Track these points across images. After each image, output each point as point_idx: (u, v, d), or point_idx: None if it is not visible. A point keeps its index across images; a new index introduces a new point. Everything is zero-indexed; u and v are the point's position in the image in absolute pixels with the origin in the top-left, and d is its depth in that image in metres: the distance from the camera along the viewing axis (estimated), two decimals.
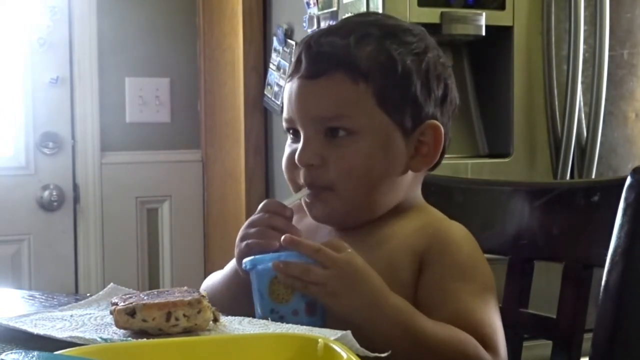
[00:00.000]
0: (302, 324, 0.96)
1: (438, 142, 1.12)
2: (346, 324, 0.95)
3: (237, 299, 1.08)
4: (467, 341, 0.98)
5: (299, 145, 1.10)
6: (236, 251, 1.08)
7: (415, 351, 0.96)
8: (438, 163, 1.16)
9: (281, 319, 0.98)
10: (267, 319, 0.98)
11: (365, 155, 1.08)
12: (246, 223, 1.08)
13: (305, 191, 1.11)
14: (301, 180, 1.11)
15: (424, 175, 1.18)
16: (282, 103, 1.16)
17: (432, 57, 1.12)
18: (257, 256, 1.00)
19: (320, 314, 0.99)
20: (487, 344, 1.00)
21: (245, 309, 1.02)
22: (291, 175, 1.13)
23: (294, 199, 1.11)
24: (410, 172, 1.13)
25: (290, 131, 1.13)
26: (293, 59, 1.14)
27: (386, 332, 0.96)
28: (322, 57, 1.09)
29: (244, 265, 1.01)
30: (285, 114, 1.14)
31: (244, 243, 1.06)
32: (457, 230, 1.11)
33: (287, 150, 1.13)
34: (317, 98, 1.09)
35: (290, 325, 0.93)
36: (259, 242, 1.04)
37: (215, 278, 1.20)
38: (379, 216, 1.13)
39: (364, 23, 1.14)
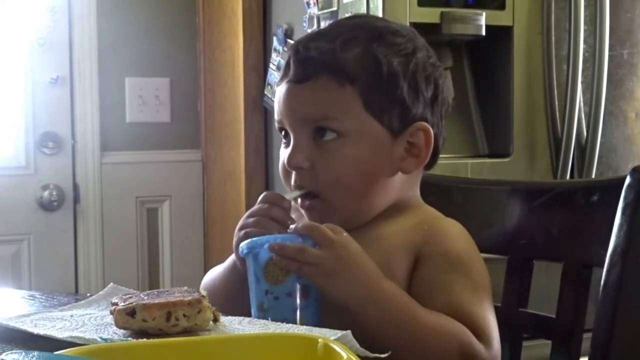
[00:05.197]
0: (296, 306, 0.98)
1: (429, 143, 1.12)
2: (339, 308, 0.97)
3: (235, 292, 1.09)
4: (460, 330, 0.99)
5: (289, 147, 1.12)
6: (234, 240, 1.09)
7: (407, 338, 0.97)
8: (433, 163, 1.17)
9: (275, 300, 0.99)
10: (261, 301, 0.99)
11: (354, 159, 1.09)
12: (246, 214, 1.10)
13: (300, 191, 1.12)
14: (292, 183, 1.12)
15: (421, 175, 1.18)
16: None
17: (421, 57, 1.13)
18: (253, 239, 1.01)
19: (314, 297, 1.00)
20: (480, 335, 1.00)
21: (243, 302, 1.03)
22: (286, 178, 1.14)
23: (293, 195, 1.12)
24: (400, 173, 1.13)
25: (282, 133, 1.15)
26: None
27: (378, 317, 0.97)
28: (309, 61, 1.11)
29: (240, 250, 1.02)
30: (275, 117, 1.15)
31: (243, 231, 1.08)
32: (452, 227, 1.12)
33: (281, 152, 1.15)
34: (304, 101, 1.11)
35: (290, 325, 0.94)
36: (257, 230, 1.06)
37: (214, 272, 1.21)
38: (375, 216, 1.13)
39: (352, 26, 1.15)
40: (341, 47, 1.10)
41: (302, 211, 1.14)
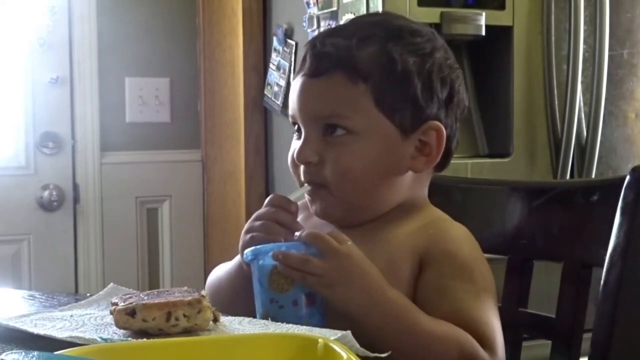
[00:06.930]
0: (301, 315, 0.98)
1: (440, 143, 1.12)
2: (343, 316, 0.97)
3: (241, 291, 1.09)
4: (464, 338, 0.99)
5: (300, 142, 1.12)
6: (240, 243, 1.09)
7: (411, 346, 0.97)
8: (445, 164, 1.17)
9: (281, 308, 0.98)
10: (266, 310, 0.99)
11: (362, 155, 1.09)
12: (253, 216, 1.10)
13: (308, 187, 1.13)
14: (301, 177, 1.13)
15: (431, 177, 1.18)
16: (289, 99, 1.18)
17: (438, 58, 1.12)
18: (258, 246, 1.01)
19: (319, 305, 0.99)
20: (485, 342, 1.00)
21: (247, 302, 1.03)
22: (295, 171, 1.15)
23: (300, 193, 1.12)
24: (411, 173, 1.13)
25: (296, 126, 1.15)
26: (297, 57, 1.16)
27: (383, 325, 0.97)
28: (324, 56, 1.11)
29: (245, 256, 1.02)
30: (289, 110, 1.16)
31: (249, 235, 1.08)
32: (458, 230, 1.11)
33: (292, 146, 1.15)
34: (316, 96, 1.11)
35: (290, 325, 0.94)
36: (263, 235, 1.06)
37: (220, 271, 1.21)
38: (382, 215, 1.13)
39: (370, 24, 1.15)
40: (357, 44, 1.10)
41: (308, 201, 1.14)
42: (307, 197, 1.14)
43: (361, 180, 1.10)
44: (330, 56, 1.10)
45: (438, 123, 1.12)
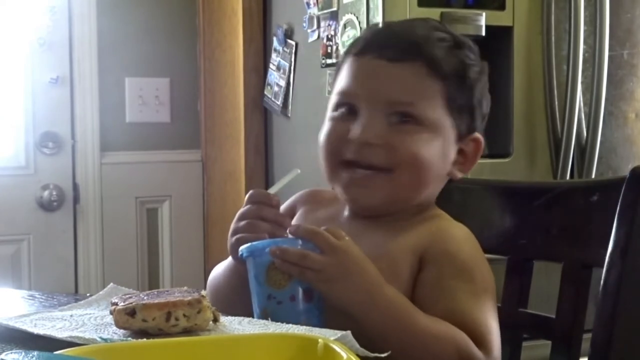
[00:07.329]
0: (299, 310, 0.98)
1: (476, 155, 1.15)
2: (341, 312, 0.97)
3: (237, 289, 1.10)
4: (459, 337, 0.99)
5: (359, 122, 1.10)
6: (229, 245, 1.09)
7: (407, 343, 0.97)
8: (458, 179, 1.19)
9: (279, 304, 0.99)
10: (264, 306, 0.99)
11: (429, 146, 1.10)
12: (236, 216, 1.10)
13: (293, 173, 1.12)
14: (347, 156, 1.11)
15: (444, 183, 1.18)
16: (336, 78, 1.16)
17: (485, 78, 1.17)
18: (253, 243, 1.01)
19: (317, 300, 1.00)
20: (480, 342, 1.01)
21: (245, 300, 1.03)
22: (335, 149, 1.12)
23: (281, 184, 1.12)
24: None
25: (345, 106, 1.13)
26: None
27: (379, 322, 0.98)
28: (406, 42, 1.11)
29: (240, 253, 1.02)
30: (345, 88, 1.13)
31: (235, 237, 1.08)
32: (458, 230, 1.11)
33: (333, 123, 1.13)
34: (393, 81, 1.10)
35: (290, 325, 0.94)
36: (252, 236, 1.06)
37: (217, 270, 1.21)
38: (395, 214, 1.13)
39: (436, 27, 1.17)
40: (436, 40, 1.12)
41: (346, 185, 1.12)
42: (345, 181, 1.11)
43: (425, 169, 1.10)
44: (413, 43, 1.11)
45: (480, 136, 1.15)
